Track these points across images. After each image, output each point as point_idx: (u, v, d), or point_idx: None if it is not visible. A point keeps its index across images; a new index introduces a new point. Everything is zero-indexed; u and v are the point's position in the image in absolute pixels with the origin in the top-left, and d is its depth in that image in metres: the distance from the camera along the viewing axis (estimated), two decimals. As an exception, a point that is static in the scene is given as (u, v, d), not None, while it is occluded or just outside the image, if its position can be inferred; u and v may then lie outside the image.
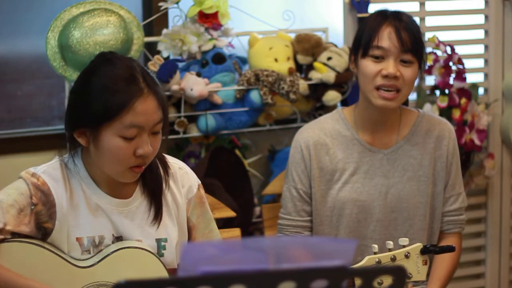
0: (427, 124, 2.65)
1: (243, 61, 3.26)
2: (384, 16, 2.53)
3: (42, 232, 2.04)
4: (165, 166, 2.17)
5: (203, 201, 2.23)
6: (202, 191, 2.24)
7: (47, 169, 2.07)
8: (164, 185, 2.15)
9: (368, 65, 2.50)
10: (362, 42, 2.52)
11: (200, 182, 2.24)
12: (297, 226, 2.63)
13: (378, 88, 2.49)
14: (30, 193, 2.03)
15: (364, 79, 2.51)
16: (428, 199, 2.62)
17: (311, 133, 2.62)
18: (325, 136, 2.62)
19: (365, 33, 2.52)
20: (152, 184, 2.14)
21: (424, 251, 2.20)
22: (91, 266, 2.05)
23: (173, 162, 2.21)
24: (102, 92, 1.98)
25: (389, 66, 2.48)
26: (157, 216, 2.13)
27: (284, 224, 2.65)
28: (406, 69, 2.50)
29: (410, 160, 2.62)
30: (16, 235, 2.01)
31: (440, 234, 2.67)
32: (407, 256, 2.18)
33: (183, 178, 2.20)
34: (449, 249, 2.25)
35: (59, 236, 2.05)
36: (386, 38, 2.49)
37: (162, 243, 2.13)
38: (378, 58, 2.50)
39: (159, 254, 2.12)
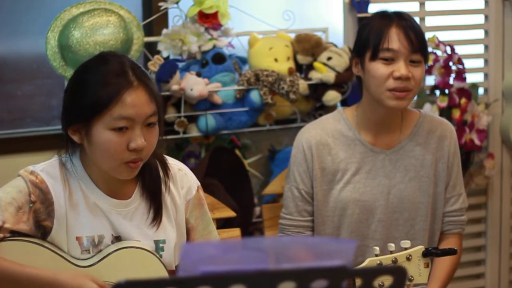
0: (429, 125, 2.65)
1: (243, 61, 3.26)
2: (388, 17, 2.52)
3: (42, 231, 2.04)
4: (165, 167, 2.17)
5: (202, 203, 2.22)
6: (201, 192, 2.24)
7: (46, 167, 2.07)
8: (163, 187, 2.15)
9: (379, 68, 2.49)
10: (369, 45, 2.50)
11: (199, 183, 2.24)
12: (298, 226, 2.63)
13: (390, 90, 2.49)
14: (29, 191, 2.02)
15: (376, 82, 2.50)
16: (429, 200, 2.62)
17: (313, 133, 2.62)
18: (327, 136, 2.62)
19: (371, 36, 2.50)
20: (152, 185, 2.13)
21: (426, 253, 2.19)
22: (91, 265, 2.05)
23: (173, 164, 2.20)
24: (93, 86, 1.99)
25: (401, 68, 2.47)
26: (157, 218, 2.12)
27: (285, 224, 2.65)
28: (415, 69, 2.50)
29: (412, 160, 2.61)
30: (15, 234, 2.01)
31: (440, 235, 2.67)
32: (408, 259, 2.17)
33: (182, 179, 2.19)
34: (451, 252, 2.24)
35: (59, 235, 2.04)
36: (396, 39, 2.48)
37: (160, 245, 2.13)
38: (388, 60, 2.49)
39: (157, 256, 2.12)
